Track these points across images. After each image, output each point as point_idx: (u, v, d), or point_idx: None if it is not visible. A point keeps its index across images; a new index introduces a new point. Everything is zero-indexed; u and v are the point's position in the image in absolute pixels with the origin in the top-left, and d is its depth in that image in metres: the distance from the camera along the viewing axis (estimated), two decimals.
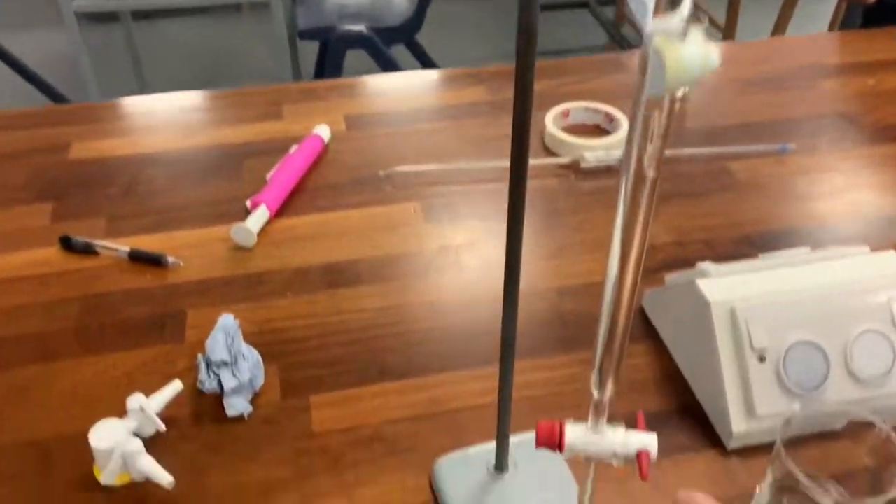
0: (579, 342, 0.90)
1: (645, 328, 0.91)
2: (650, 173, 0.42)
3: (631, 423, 0.55)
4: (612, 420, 0.53)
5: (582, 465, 0.77)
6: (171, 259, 0.99)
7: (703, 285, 0.80)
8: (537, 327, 0.92)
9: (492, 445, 0.75)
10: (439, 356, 0.89)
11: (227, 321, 0.83)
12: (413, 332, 0.92)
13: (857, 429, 0.75)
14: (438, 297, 0.96)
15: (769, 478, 0.71)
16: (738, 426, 0.77)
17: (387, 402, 0.83)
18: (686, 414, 0.82)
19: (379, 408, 0.83)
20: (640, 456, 0.50)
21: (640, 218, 0.44)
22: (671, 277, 0.89)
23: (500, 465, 0.74)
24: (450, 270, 1.00)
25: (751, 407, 0.77)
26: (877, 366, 0.78)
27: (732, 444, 0.78)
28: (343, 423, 0.81)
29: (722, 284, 0.80)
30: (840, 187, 1.14)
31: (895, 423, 0.69)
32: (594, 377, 0.48)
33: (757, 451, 0.78)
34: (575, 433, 0.51)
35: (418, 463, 0.77)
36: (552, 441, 0.51)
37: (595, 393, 0.49)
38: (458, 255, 1.02)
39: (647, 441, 0.51)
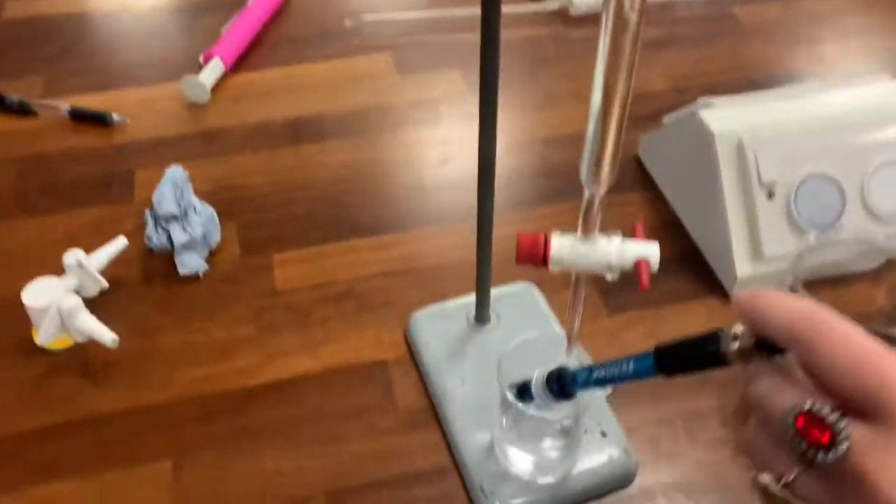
0: (567, 194, 0.82)
1: (640, 177, 0.83)
2: (632, 17, 0.34)
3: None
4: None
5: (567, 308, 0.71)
6: (116, 117, 0.89)
7: (707, 116, 0.71)
8: (523, 179, 0.84)
9: (471, 298, 0.68)
10: (415, 212, 0.81)
11: (176, 172, 0.75)
12: (386, 187, 0.83)
13: (882, 268, 0.69)
14: (414, 153, 0.87)
15: None
16: (743, 269, 0.70)
17: (358, 258, 0.76)
18: (685, 261, 0.75)
19: (350, 264, 0.75)
20: (638, 265, 0.42)
21: (624, 65, 0.35)
22: (670, 117, 0.80)
23: (481, 316, 0.67)
24: (427, 125, 0.91)
25: (757, 248, 0.69)
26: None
27: (737, 290, 0.71)
28: (310, 280, 0.74)
29: (727, 115, 0.71)
30: (850, 30, 1.04)
31: None
32: (585, 164, 0.40)
33: None
34: (562, 244, 0.43)
35: (394, 318, 0.70)
36: (535, 253, 0.43)
37: (587, 188, 0.41)
38: (437, 109, 0.93)
39: (646, 249, 0.43)
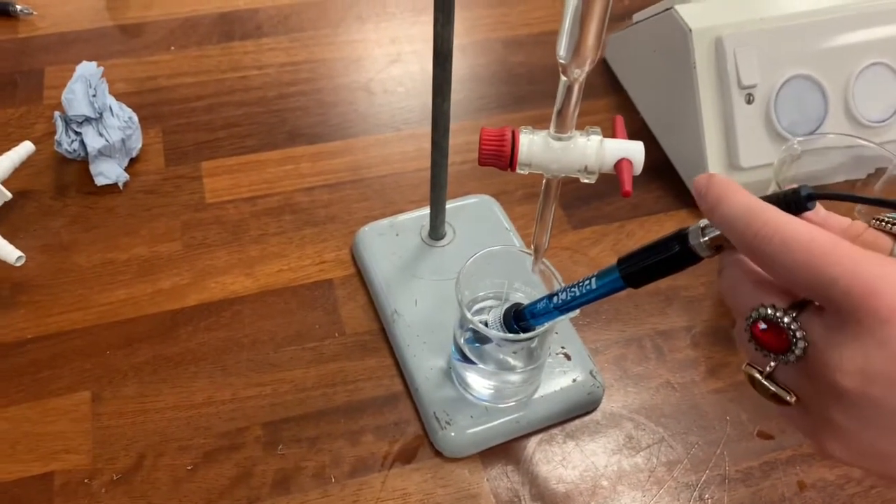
0: (528, 100, 0.75)
1: (607, 81, 0.77)
2: None
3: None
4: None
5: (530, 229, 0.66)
6: (19, 7, 0.79)
7: (683, 11, 0.65)
8: (481, 84, 0.77)
9: (424, 211, 0.62)
10: (361, 117, 0.73)
11: (88, 69, 0.65)
12: (328, 90, 0.75)
13: (858, 182, 0.64)
14: (359, 51, 0.79)
15: None
16: None
17: (298, 169, 0.68)
18: (654, 172, 0.70)
19: (289, 174, 0.68)
20: (619, 167, 0.36)
21: None
22: (641, 13, 0.73)
23: (436, 231, 0.61)
24: (373, 20, 0.82)
25: (734, 157, 0.64)
26: (881, 105, 0.65)
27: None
28: (244, 192, 0.66)
29: (705, 10, 0.65)
30: None
31: None
32: (565, 35, 0.33)
33: None
34: (532, 141, 0.37)
35: (338, 234, 0.64)
36: (501, 152, 0.36)
37: (566, 70, 0.34)
38: (384, 3, 0.84)
39: (630, 148, 0.37)
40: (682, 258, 0.34)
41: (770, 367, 0.30)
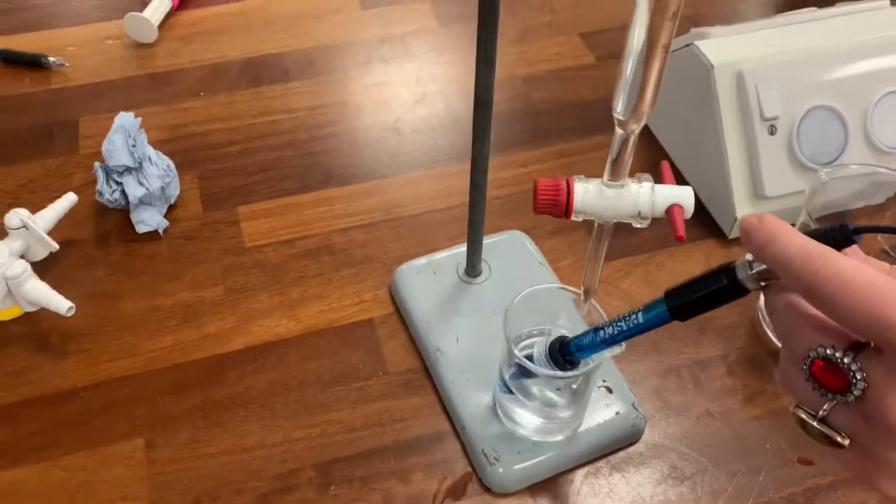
0: (552, 134, 0.77)
1: None
2: None
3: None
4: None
5: (562, 262, 0.67)
6: (52, 59, 0.81)
7: (704, 47, 0.67)
8: (503, 121, 0.78)
9: (460, 249, 0.63)
10: (390, 157, 0.75)
11: (126, 119, 0.67)
12: (357, 132, 0.77)
13: (882, 205, 0.66)
14: (385, 92, 0.81)
15: None
16: (743, 210, 0.66)
17: (332, 210, 0.70)
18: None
19: (323, 216, 0.70)
20: (672, 212, 0.38)
21: None
22: None
23: (473, 268, 0.62)
24: (396, 61, 0.84)
25: (758, 187, 0.66)
26: None
27: (735, 232, 0.68)
28: (281, 235, 0.68)
29: (725, 45, 0.67)
30: None
31: None
32: (623, 96, 0.35)
33: None
34: (587, 190, 0.39)
35: (376, 273, 0.65)
36: (556, 202, 0.38)
37: (620, 123, 0.36)
38: (406, 45, 0.86)
39: (681, 194, 0.39)
40: (729, 291, 0.35)
41: (824, 410, 0.30)
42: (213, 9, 0.89)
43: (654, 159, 0.75)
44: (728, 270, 0.35)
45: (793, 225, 0.33)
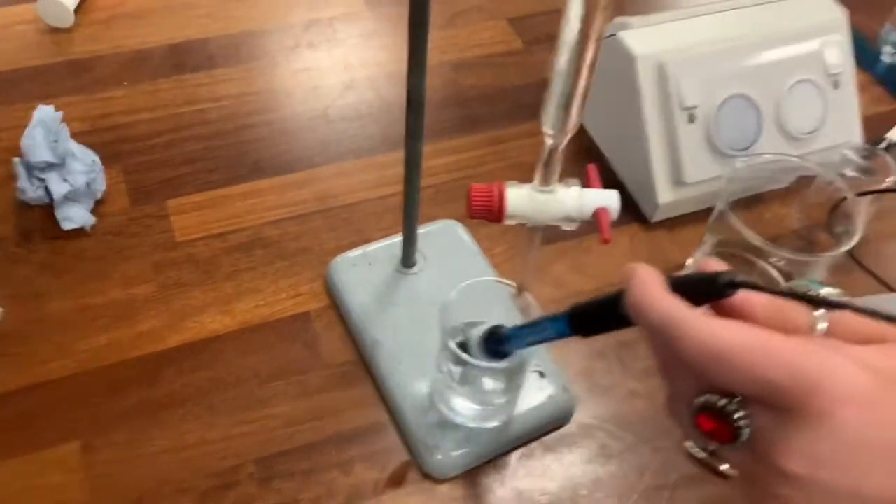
0: (483, 120, 0.78)
1: None
2: None
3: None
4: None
5: (496, 251, 0.68)
6: None
7: (627, 38, 0.68)
8: (434, 108, 0.78)
9: (395, 240, 0.64)
10: (322, 145, 0.75)
11: (46, 113, 0.65)
12: (286, 120, 0.77)
13: (792, 187, 0.70)
14: (314, 79, 0.81)
15: (706, 245, 0.65)
16: (665, 196, 0.69)
17: (265, 201, 0.70)
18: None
19: (255, 208, 0.69)
20: (598, 215, 0.40)
21: None
22: None
23: (408, 259, 0.63)
24: (324, 47, 0.84)
25: (678, 173, 0.69)
26: (809, 119, 0.71)
27: (658, 216, 0.71)
28: (213, 228, 0.67)
29: (646, 36, 0.69)
30: None
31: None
32: (552, 113, 0.36)
33: (682, 221, 0.71)
34: (519, 195, 0.40)
35: (311, 266, 0.66)
36: (490, 207, 0.39)
37: (550, 136, 0.37)
38: (334, 29, 0.85)
39: (607, 197, 0.41)
40: (624, 321, 0.34)
41: (713, 447, 0.30)
42: None
43: (581, 146, 0.77)
44: (621, 301, 0.34)
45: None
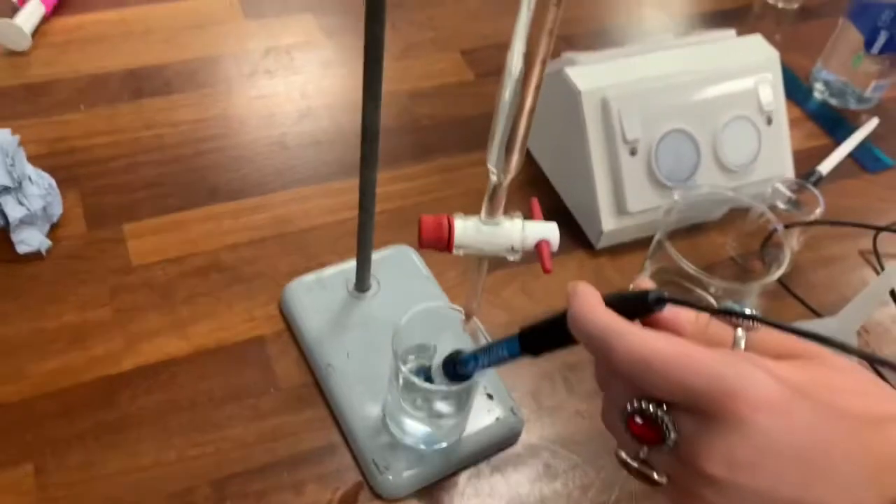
0: (436, 149, 0.81)
1: None
2: None
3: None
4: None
5: (448, 276, 0.71)
6: None
7: (573, 73, 0.72)
8: (389, 136, 0.81)
9: (349, 265, 0.66)
10: (278, 171, 0.76)
11: (3, 137, 0.66)
12: (243, 146, 0.78)
13: (727, 217, 0.73)
14: (270, 106, 0.82)
15: (646, 272, 0.68)
16: (609, 224, 0.72)
17: (221, 226, 0.71)
18: (553, 216, 0.76)
19: (211, 232, 0.70)
20: (540, 248, 0.42)
21: (547, 30, 0.34)
22: None
23: (362, 283, 0.65)
24: (281, 74, 0.85)
25: (621, 203, 0.72)
26: (744, 153, 0.75)
27: (602, 244, 0.74)
28: (169, 253, 0.68)
29: (591, 72, 0.72)
30: None
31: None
32: (495, 154, 0.39)
33: (625, 248, 0.75)
34: (466, 227, 0.42)
35: (266, 290, 0.67)
36: (439, 238, 0.42)
37: (494, 175, 0.40)
38: (291, 57, 0.87)
39: (547, 230, 0.43)
40: (571, 338, 0.37)
41: (644, 452, 0.32)
42: (90, 16, 0.87)
43: (529, 176, 0.79)
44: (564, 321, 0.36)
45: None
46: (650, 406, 0.31)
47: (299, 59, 0.87)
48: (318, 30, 0.90)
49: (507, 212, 0.44)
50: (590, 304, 0.34)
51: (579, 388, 0.65)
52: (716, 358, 0.30)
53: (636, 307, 0.34)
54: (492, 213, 0.42)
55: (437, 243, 0.42)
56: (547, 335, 0.39)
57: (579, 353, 0.67)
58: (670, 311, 0.34)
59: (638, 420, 0.31)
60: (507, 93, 0.36)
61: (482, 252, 0.44)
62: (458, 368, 0.48)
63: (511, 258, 0.44)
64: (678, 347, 0.31)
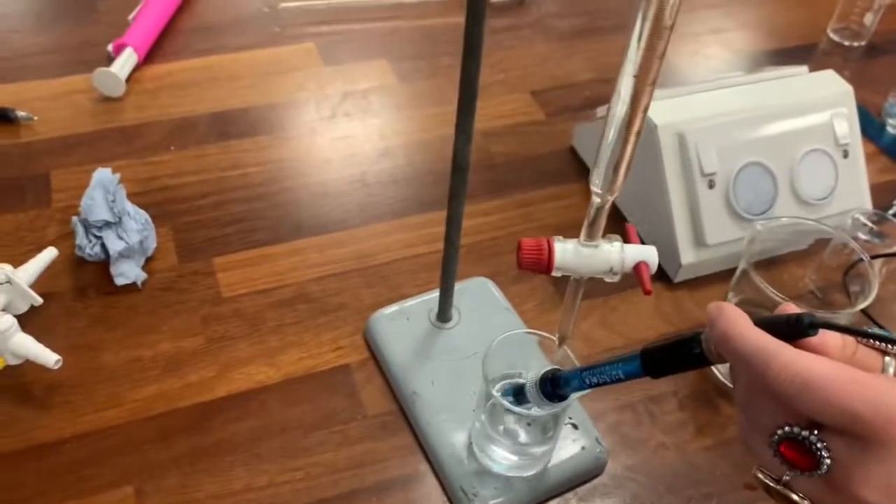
0: (511, 185, 0.82)
1: (577, 167, 0.85)
2: (669, 24, 0.35)
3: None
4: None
5: (526, 307, 0.71)
6: (21, 113, 0.82)
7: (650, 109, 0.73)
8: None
9: (431, 296, 0.68)
10: (358, 208, 0.79)
11: (105, 175, 0.69)
12: (326, 183, 0.81)
13: (805, 250, 0.73)
14: (351, 146, 0.85)
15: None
16: (687, 257, 0.73)
17: (305, 259, 0.73)
18: None
19: (297, 265, 0.73)
20: (639, 268, 0.43)
21: (653, 72, 0.36)
22: (603, 108, 0.81)
23: (444, 314, 0.67)
24: (359, 117, 0.89)
25: (700, 236, 0.72)
26: (821, 186, 0.75)
27: (680, 277, 0.74)
28: (257, 285, 0.71)
29: (666, 107, 0.74)
30: (752, 21, 1.10)
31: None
32: (601, 174, 0.40)
33: (703, 282, 0.75)
34: (565, 249, 0.44)
35: (351, 320, 0.69)
36: (539, 260, 0.43)
37: (598, 197, 0.41)
38: (368, 101, 0.90)
39: (646, 252, 0.44)
40: (697, 359, 0.37)
41: (788, 475, 0.32)
42: (179, 63, 0.92)
43: None
44: (696, 341, 0.37)
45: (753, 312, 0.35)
46: (803, 432, 0.31)
47: (375, 102, 0.90)
48: (393, 74, 0.94)
49: (603, 236, 0.45)
50: (741, 323, 0.34)
51: (662, 420, 0.65)
52: (879, 384, 0.30)
53: (791, 330, 0.34)
54: (591, 235, 0.44)
55: (536, 265, 0.43)
56: (675, 355, 0.39)
57: (662, 386, 0.67)
58: (819, 336, 0.34)
59: (790, 445, 0.31)
60: (617, 113, 0.38)
61: (580, 274, 0.45)
62: (557, 386, 0.48)
63: (609, 280, 0.45)
64: (842, 372, 0.31)
